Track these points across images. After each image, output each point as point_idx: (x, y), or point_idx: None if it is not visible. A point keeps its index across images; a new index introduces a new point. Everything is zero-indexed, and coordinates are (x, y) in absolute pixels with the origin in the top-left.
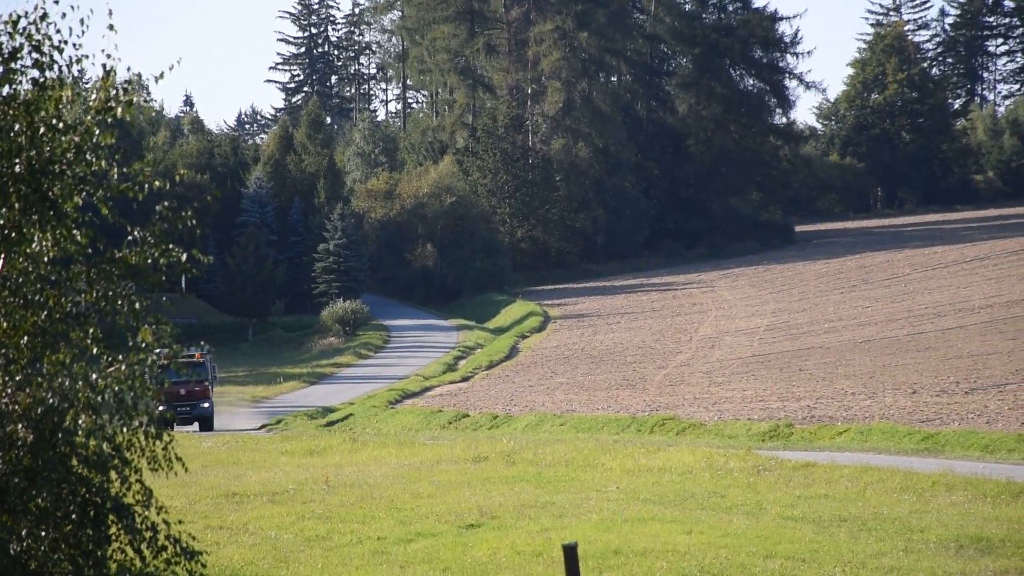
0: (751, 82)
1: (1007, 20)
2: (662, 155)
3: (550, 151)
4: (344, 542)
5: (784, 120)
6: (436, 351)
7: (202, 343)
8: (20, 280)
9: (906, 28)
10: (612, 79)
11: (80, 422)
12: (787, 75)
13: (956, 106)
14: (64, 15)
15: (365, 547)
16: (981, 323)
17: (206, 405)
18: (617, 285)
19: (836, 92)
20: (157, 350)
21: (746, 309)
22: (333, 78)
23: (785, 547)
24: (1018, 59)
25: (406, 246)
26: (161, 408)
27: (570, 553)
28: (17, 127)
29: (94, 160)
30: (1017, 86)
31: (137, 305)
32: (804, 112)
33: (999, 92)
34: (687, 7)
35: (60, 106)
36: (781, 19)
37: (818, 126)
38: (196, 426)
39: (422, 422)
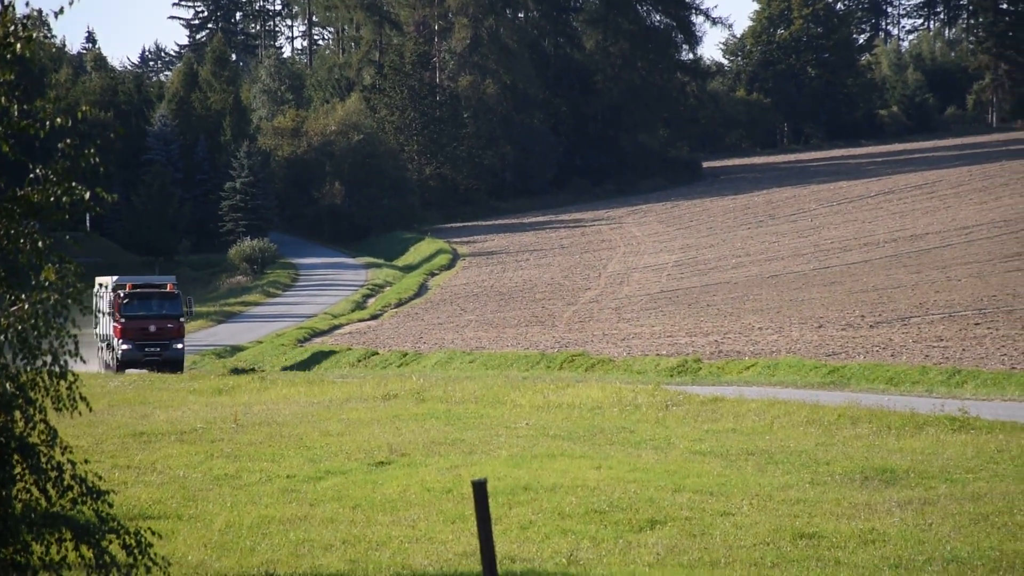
0: (658, 18)
1: None
2: (570, 92)
3: (458, 88)
4: (253, 480)
5: (691, 56)
6: (345, 289)
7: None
8: None
9: None
10: (519, 15)
11: None
12: (693, 11)
13: (861, 41)
14: None
15: (274, 485)
16: (886, 257)
17: (179, 346)
18: (526, 222)
19: (742, 28)
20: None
21: (654, 245)
22: (238, 14)
23: (693, 481)
24: None
25: (314, 184)
26: (125, 348)
27: (479, 489)
28: None
29: None
30: (920, 21)
31: (40, 244)
32: (711, 48)
33: (903, 27)
34: None
35: None
36: None
37: (725, 62)
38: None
39: (331, 360)
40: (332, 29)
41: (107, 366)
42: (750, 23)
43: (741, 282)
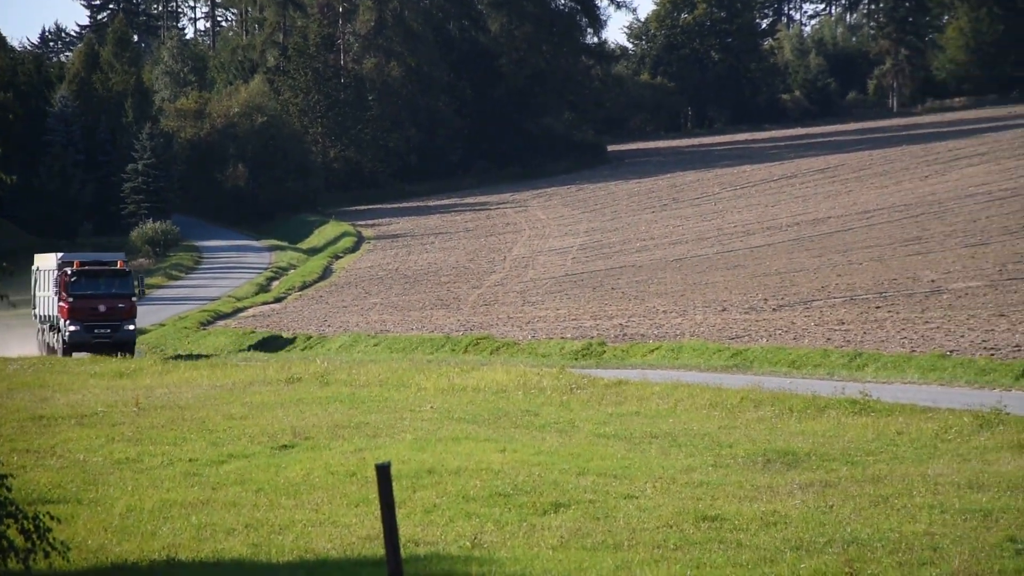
0: (563, 1)
1: None
2: (475, 75)
3: (362, 70)
4: (155, 464)
5: (596, 40)
6: (248, 272)
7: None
8: None
9: None
10: None
11: None
12: None
13: (764, 26)
14: None
15: (176, 469)
16: (788, 241)
17: (131, 327)
18: (431, 205)
19: (646, 12)
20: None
21: (559, 229)
22: None
23: (597, 463)
24: None
25: (217, 166)
26: (73, 329)
27: (383, 473)
28: None
29: None
30: (822, 6)
31: None
32: (615, 32)
33: (805, 12)
34: None
35: None
36: None
37: (629, 46)
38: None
39: (234, 343)
40: (235, 11)
41: (50, 349)
42: (654, 7)
43: (645, 265)
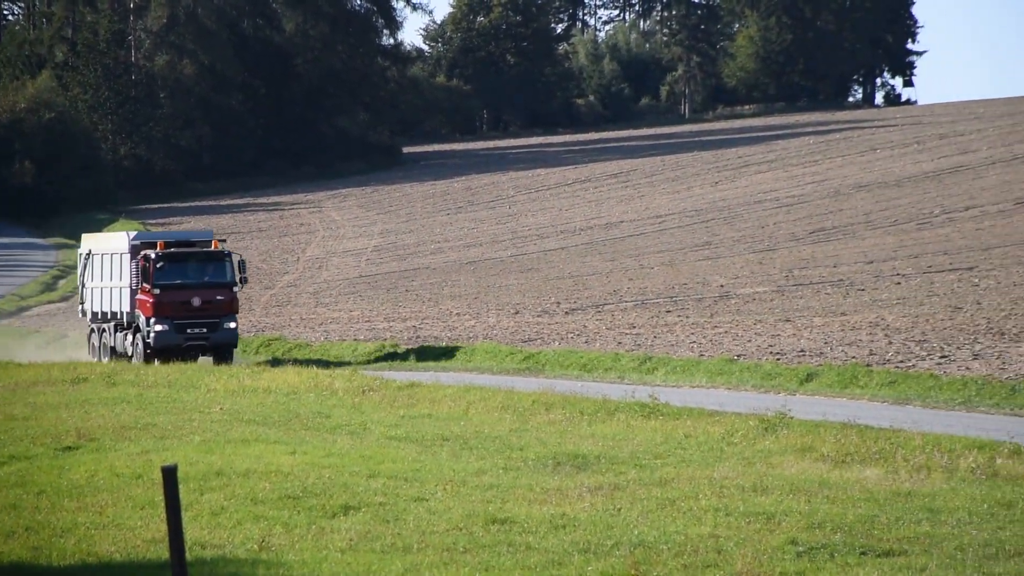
0: (359, 2)
1: None
2: (270, 74)
3: (154, 67)
4: None
5: (392, 41)
6: (34, 270)
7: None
8: None
9: None
10: None
11: None
12: None
13: (559, 31)
14: None
15: None
16: (582, 245)
17: (232, 326)
18: (224, 204)
19: (443, 14)
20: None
21: (354, 230)
22: None
23: (388, 466)
24: None
25: (2, 163)
26: (160, 329)
27: (169, 475)
28: None
29: None
30: (616, 11)
31: None
32: (412, 33)
33: (600, 18)
34: None
35: None
36: None
37: (425, 48)
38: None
39: (17, 343)
40: (22, 3)
41: (114, 353)
42: (451, 9)
43: (440, 268)
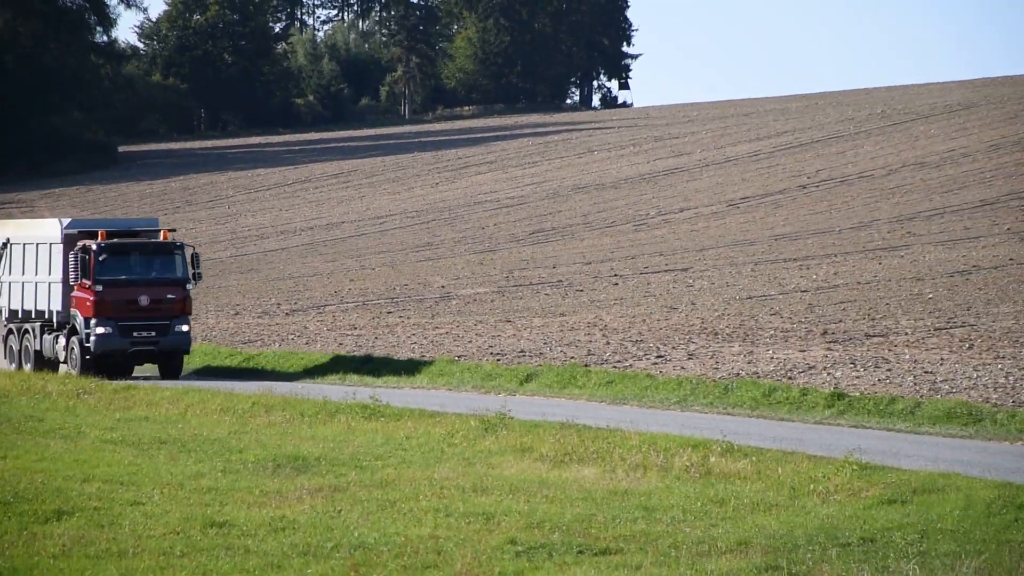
0: None
1: None
2: None
3: None
4: None
5: (106, 38)
6: None
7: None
8: None
9: None
10: None
11: None
12: None
13: (277, 30)
14: None
15: None
16: (303, 245)
17: (184, 329)
18: None
19: (158, 12)
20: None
21: None
22: None
23: (103, 470)
24: None
25: None
26: (102, 332)
27: None
28: None
29: None
30: (335, 11)
31: None
32: (126, 31)
33: (318, 17)
34: None
35: None
36: None
37: (141, 45)
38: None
39: None
40: None
41: (40, 359)
42: (166, 7)
43: None
